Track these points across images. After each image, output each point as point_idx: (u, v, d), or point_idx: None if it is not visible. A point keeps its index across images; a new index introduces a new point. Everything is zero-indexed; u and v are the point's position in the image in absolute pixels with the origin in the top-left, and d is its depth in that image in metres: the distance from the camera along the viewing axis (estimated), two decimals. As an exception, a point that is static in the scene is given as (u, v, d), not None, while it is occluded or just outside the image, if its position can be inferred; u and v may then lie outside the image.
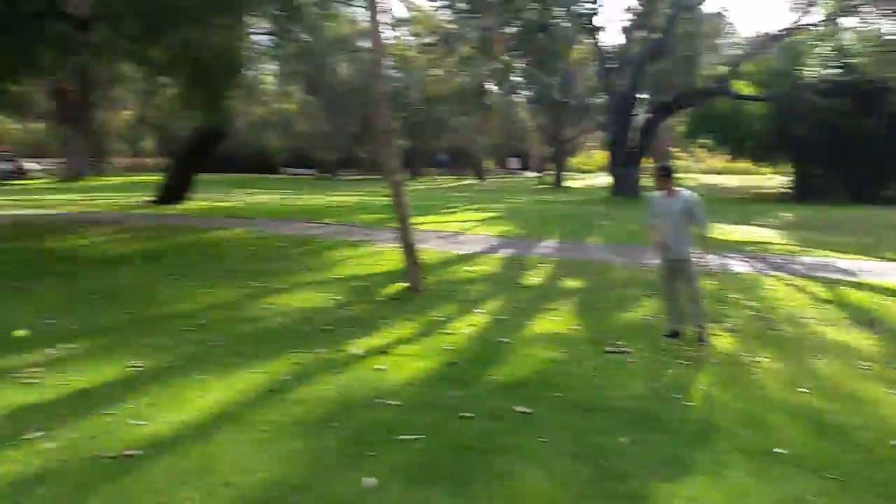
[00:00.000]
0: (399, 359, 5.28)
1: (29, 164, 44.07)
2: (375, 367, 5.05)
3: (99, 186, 31.36)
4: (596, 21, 26.05)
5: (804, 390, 4.76)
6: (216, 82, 13.50)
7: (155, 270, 8.91)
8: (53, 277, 8.07)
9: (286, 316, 6.62)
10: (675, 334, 5.96)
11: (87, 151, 43.79)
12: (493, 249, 11.24)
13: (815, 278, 8.85)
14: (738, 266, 9.83)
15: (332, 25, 14.67)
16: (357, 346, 5.61)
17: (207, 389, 4.45)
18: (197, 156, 20.12)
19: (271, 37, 17.07)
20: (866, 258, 10.68)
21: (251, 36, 17.87)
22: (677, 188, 5.87)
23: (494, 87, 45.06)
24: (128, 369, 4.83)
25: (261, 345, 5.58)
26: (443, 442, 3.75)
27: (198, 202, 20.25)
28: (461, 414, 4.15)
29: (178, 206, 18.75)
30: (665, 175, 5.86)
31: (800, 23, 23.38)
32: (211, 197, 23.08)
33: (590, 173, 57.37)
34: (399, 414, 4.14)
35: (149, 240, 11.74)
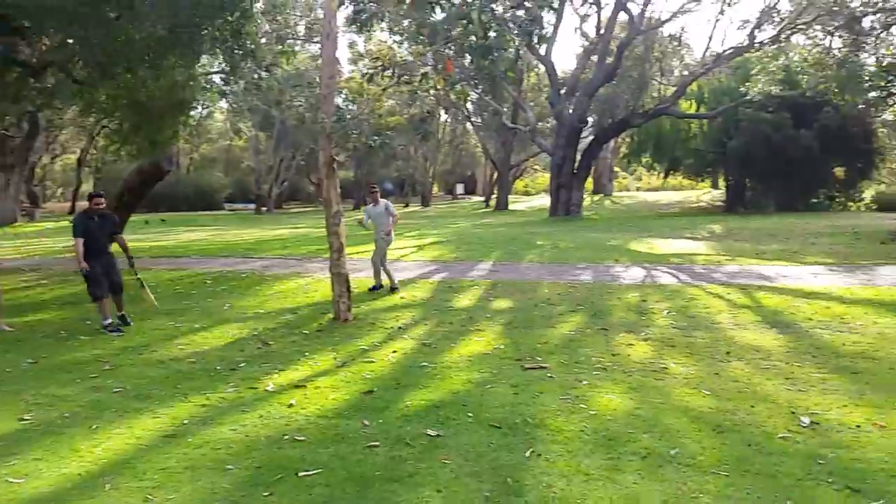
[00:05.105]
0: (314, 392, 5.13)
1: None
2: (288, 402, 4.90)
3: (33, 232, 30.14)
4: (546, 46, 26.13)
5: (707, 392, 4.85)
6: (161, 121, 13.25)
7: (73, 315, 8.59)
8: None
9: (202, 356, 6.40)
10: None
11: (19, 198, 42.40)
12: (427, 275, 11.22)
13: (734, 285, 9.12)
14: (664, 278, 10.06)
15: (286, 63, 14.49)
16: (272, 382, 5.44)
17: (101, 439, 4.24)
18: (133, 196, 19.58)
19: (222, 75, 16.75)
20: (786, 264, 11.09)
21: (202, 74, 17.53)
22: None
23: (444, 115, 45.28)
24: (18, 423, 4.57)
25: (168, 388, 5.36)
26: (344, 475, 3.65)
27: (130, 242, 19.63)
28: (369, 444, 4.06)
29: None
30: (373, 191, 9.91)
31: (750, 42, 24.14)
32: (146, 237, 22.48)
33: (534, 195, 58.49)
34: (304, 450, 4.02)
35: (71, 285, 11.28)
